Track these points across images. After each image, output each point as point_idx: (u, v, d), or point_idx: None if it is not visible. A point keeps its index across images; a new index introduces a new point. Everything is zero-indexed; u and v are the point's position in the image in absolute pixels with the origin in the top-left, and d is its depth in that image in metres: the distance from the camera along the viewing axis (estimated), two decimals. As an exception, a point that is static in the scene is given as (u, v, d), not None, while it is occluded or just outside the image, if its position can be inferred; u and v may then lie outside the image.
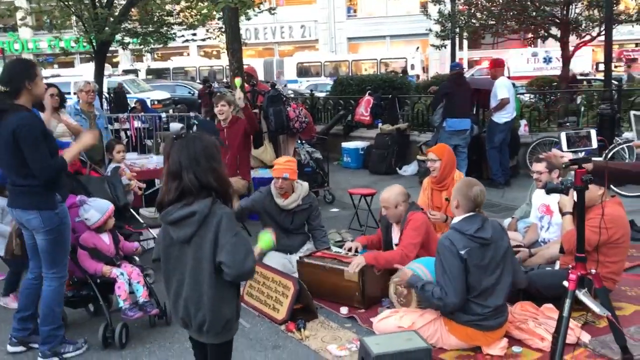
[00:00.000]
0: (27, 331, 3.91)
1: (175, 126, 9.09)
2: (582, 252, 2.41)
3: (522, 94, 12.00)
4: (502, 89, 8.36)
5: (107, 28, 11.52)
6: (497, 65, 8.86)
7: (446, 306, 3.57)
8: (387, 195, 4.63)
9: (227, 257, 2.36)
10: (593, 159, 2.36)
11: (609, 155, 7.79)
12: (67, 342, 3.89)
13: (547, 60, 26.38)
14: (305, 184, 5.34)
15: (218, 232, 2.38)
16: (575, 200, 2.52)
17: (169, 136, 2.61)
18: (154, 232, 5.74)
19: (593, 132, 2.27)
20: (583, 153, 2.35)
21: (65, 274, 3.83)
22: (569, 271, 2.43)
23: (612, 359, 3.44)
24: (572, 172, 3.85)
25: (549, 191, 3.85)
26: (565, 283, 2.39)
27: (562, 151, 2.30)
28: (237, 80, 6.63)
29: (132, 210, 5.59)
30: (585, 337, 3.72)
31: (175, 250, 2.49)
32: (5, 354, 3.91)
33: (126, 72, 28.60)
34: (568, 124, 9.88)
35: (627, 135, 8.05)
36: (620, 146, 7.79)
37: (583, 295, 2.35)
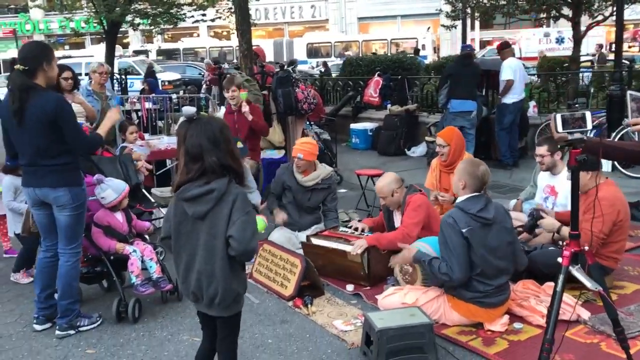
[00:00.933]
0: (52, 308, 4.04)
1: (188, 110, 9.10)
2: (576, 229, 2.49)
3: (533, 74, 11.95)
4: (507, 70, 8.36)
5: (117, 9, 11.58)
6: (504, 47, 8.85)
7: (451, 280, 3.65)
8: (381, 185, 4.71)
9: (236, 232, 2.47)
10: (587, 137, 2.42)
11: (617, 137, 7.80)
12: (82, 315, 4.05)
13: (560, 40, 26.09)
14: (329, 168, 5.57)
15: (232, 209, 2.50)
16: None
17: (182, 119, 2.72)
18: (165, 211, 5.86)
19: (588, 114, 2.33)
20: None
21: (80, 250, 3.97)
22: (563, 248, 2.51)
23: (610, 335, 3.53)
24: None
25: (530, 230, 4.12)
26: (560, 259, 2.48)
27: (557, 132, 2.36)
28: (243, 94, 6.50)
29: (143, 190, 5.71)
30: (585, 314, 3.81)
31: (188, 225, 2.59)
32: (32, 331, 4.04)
33: (136, 52, 28.67)
34: (577, 105, 9.84)
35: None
36: (629, 128, 7.77)
37: (576, 271, 2.43)
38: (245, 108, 6.37)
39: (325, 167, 5.51)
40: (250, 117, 6.37)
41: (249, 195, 5.31)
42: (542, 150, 4.90)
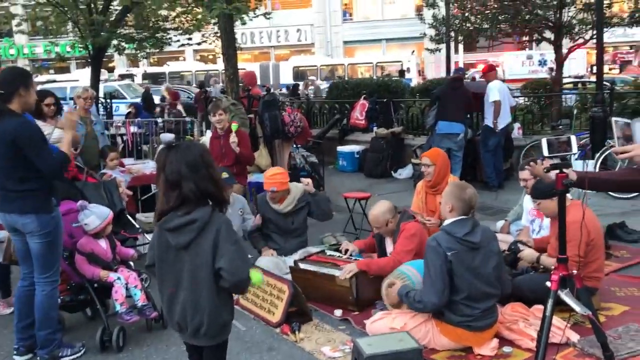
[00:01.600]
0: (32, 338, 3.94)
1: (165, 137, 9.09)
2: (564, 253, 2.49)
3: (517, 97, 12.09)
4: (494, 91, 8.44)
5: (103, 33, 11.58)
6: (490, 70, 8.98)
7: (425, 307, 3.65)
8: (375, 214, 4.67)
9: (226, 264, 2.41)
10: (574, 167, 2.45)
11: (601, 159, 7.89)
12: (65, 345, 3.95)
13: (542, 62, 26.54)
14: (300, 185, 5.46)
15: (218, 239, 2.44)
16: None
17: (162, 146, 2.67)
18: (150, 237, 5.80)
19: (573, 138, 2.36)
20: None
21: (58, 278, 3.87)
22: (552, 272, 2.50)
23: (600, 358, 3.51)
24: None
25: (512, 264, 4.21)
26: (548, 283, 2.47)
27: (544, 156, 2.38)
28: (234, 125, 6.37)
29: (128, 215, 5.65)
30: (574, 337, 3.80)
31: (172, 255, 2.54)
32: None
33: (122, 76, 28.65)
34: (561, 126, 9.95)
35: (618, 137, 8.12)
36: (612, 149, 7.87)
37: (565, 295, 2.42)
38: (234, 139, 6.28)
39: (297, 186, 5.42)
40: (237, 150, 6.30)
41: (247, 222, 5.33)
42: (524, 174, 4.92)
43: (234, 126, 6.34)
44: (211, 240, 2.44)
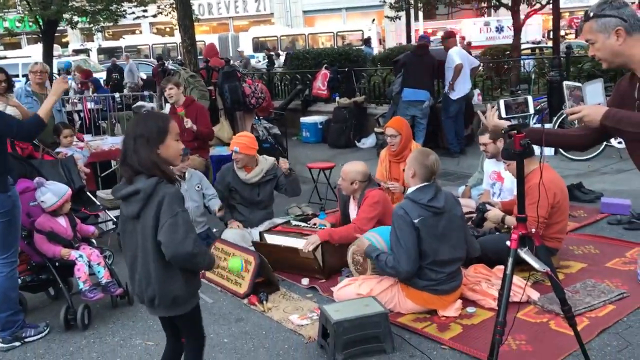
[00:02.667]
0: None
1: (138, 105, 8.98)
2: (523, 212, 2.54)
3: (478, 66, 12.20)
4: (454, 57, 8.51)
5: (53, 6, 11.18)
6: (449, 37, 9.02)
7: (399, 274, 3.70)
8: (347, 169, 4.68)
9: (163, 236, 2.37)
10: (532, 125, 2.49)
11: (558, 122, 8.05)
12: (28, 326, 3.88)
13: (499, 29, 26.82)
14: (271, 159, 5.43)
15: (159, 211, 2.40)
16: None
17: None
18: (111, 213, 5.71)
19: (530, 99, 2.39)
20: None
21: (16, 259, 3.79)
22: (511, 231, 2.56)
23: (559, 314, 3.63)
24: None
25: (479, 224, 4.26)
26: (508, 242, 2.53)
27: (501, 117, 2.41)
28: (181, 113, 6.20)
29: (88, 193, 5.53)
30: (534, 295, 3.91)
31: (130, 225, 2.53)
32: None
33: (76, 52, 27.82)
34: (520, 91, 10.11)
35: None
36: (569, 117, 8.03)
37: (525, 254, 2.48)
38: (189, 124, 6.17)
39: (267, 159, 5.37)
40: (194, 129, 6.21)
41: (211, 202, 5.26)
42: (484, 139, 5.00)
43: (181, 113, 6.20)
44: (154, 212, 2.40)
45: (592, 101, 2.37)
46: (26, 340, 3.82)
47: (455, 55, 8.53)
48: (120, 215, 2.59)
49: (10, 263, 3.73)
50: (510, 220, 4.26)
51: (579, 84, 2.41)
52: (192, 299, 2.60)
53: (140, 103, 9.85)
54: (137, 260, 2.51)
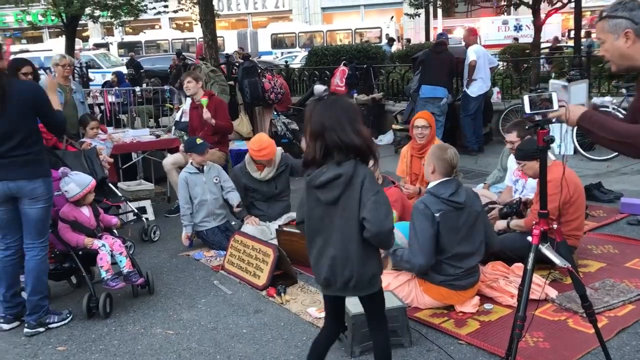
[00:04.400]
0: (20, 306, 3.96)
1: (319, 88, 8.92)
2: (545, 208, 2.54)
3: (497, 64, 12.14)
4: (470, 53, 8.52)
5: (75, 1, 11.31)
6: (470, 34, 8.99)
7: (413, 267, 3.71)
8: None
9: (369, 214, 2.43)
10: (551, 129, 2.51)
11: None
12: (52, 312, 3.96)
13: (518, 28, 26.63)
14: (279, 149, 5.46)
15: (362, 190, 2.46)
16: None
17: (312, 99, 2.66)
18: (132, 205, 5.80)
19: (554, 95, 2.39)
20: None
21: (48, 244, 3.91)
22: (533, 227, 2.57)
23: (577, 312, 3.63)
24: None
25: (504, 216, 4.35)
26: (529, 238, 2.53)
27: (525, 113, 2.42)
28: (203, 100, 6.27)
29: (110, 184, 5.62)
30: (553, 293, 3.91)
31: (320, 211, 2.56)
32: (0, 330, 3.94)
33: (97, 46, 28.08)
34: (540, 90, 10.02)
35: (595, 100, 8.24)
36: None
37: (546, 249, 2.49)
38: (207, 114, 6.22)
39: (277, 152, 5.42)
40: (213, 122, 6.26)
41: (229, 195, 5.33)
42: (512, 136, 4.97)
43: (203, 101, 6.27)
44: (358, 192, 2.46)
45: (575, 101, 2.37)
46: (50, 326, 3.91)
47: (471, 52, 8.52)
48: (308, 202, 2.60)
49: (45, 247, 3.85)
50: (515, 223, 4.36)
51: (565, 83, 2.41)
52: (378, 279, 2.65)
53: (321, 87, 9.67)
54: (328, 245, 2.54)
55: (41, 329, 3.87)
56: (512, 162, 5.23)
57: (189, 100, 6.88)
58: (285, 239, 4.76)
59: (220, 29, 27.66)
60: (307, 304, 4.07)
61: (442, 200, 3.65)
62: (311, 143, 2.52)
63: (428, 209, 3.62)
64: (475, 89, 8.53)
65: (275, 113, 8.40)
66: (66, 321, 3.98)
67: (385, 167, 6.60)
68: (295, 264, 4.60)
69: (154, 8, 13.85)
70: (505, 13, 21.31)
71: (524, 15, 25.18)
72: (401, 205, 4.58)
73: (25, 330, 3.85)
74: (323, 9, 36.28)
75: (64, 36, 13.31)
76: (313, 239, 2.61)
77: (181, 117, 7.90)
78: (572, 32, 11.08)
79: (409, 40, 23.78)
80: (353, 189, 2.46)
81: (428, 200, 3.69)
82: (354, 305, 3.46)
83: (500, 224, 4.45)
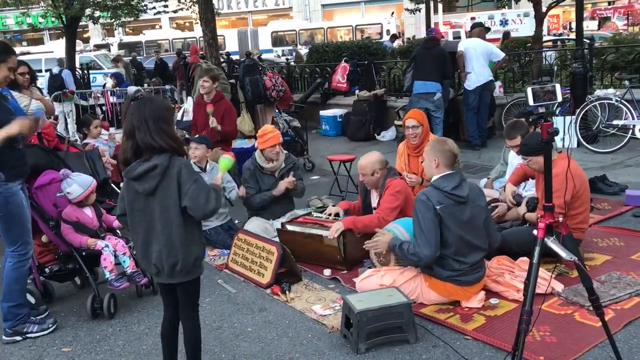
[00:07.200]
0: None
1: (131, 89, 9.09)
2: (550, 201, 2.52)
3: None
4: (460, 46, 8.64)
5: (75, 2, 11.31)
6: (473, 27, 9.11)
7: (420, 259, 3.68)
8: (364, 162, 4.70)
9: (190, 202, 2.61)
10: (555, 122, 2.49)
11: (582, 113, 7.96)
12: (32, 322, 3.86)
13: (504, 22, 26.66)
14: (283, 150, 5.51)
15: (180, 180, 2.62)
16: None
17: (127, 99, 2.81)
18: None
19: (557, 87, 2.37)
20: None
21: (27, 252, 3.75)
22: (538, 220, 2.55)
23: (583, 305, 3.61)
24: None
25: (533, 209, 4.25)
26: (535, 231, 2.51)
27: (529, 105, 2.40)
28: (209, 109, 6.29)
29: (112, 184, 5.61)
30: (559, 287, 3.89)
31: (140, 202, 2.70)
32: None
33: (98, 47, 28.10)
34: (542, 82, 9.96)
35: (598, 93, 8.20)
36: (593, 104, 7.95)
37: (551, 242, 2.47)
38: (214, 123, 6.26)
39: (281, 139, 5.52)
40: (219, 128, 6.30)
41: (232, 193, 5.33)
42: (516, 141, 4.91)
43: (209, 110, 6.28)
44: (175, 182, 2.61)
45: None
46: (28, 336, 3.80)
47: (460, 45, 8.56)
48: (128, 195, 2.73)
49: (18, 255, 3.71)
50: (530, 216, 4.27)
51: (550, 86, 2.41)
52: (201, 263, 2.82)
53: (133, 88, 9.96)
54: (153, 234, 2.69)
55: (18, 338, 3.78)
56: (512, 157, 5.20)
57: (190, 99, 6.86)
58: (287, 238, 4.73)
59: (221, 28, 27.65)
60: (312, 302, 4.06)
61: (444, 194, 3.63)
62: (125, 142, 2.67)
63: (429, 201, 3.60)
64: (470, 82, 8.51)
65: (277, 111, 8.38)
66: (47, 332, 3.86)
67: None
68: (300, 261, 4.58)
69: (154, 8, 13.82)
70: (507, 7, 21.28)
71: (511, 11, 25.34)
72: (404, 196, 4.57)
73: (3, 337, 3.78)
74: (323, 5, 36.22)
75: (64, 38, 13.31)
76: (136, 230, 2.75)
77: (182, 116, 7.89)
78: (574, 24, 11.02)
79: (413, 37, 23.74)
80: (170, 179, 2.61)
81: (429, 192, 3.67)
82: (359, 302, 3.47)
83: (522, 210, 4.39)
